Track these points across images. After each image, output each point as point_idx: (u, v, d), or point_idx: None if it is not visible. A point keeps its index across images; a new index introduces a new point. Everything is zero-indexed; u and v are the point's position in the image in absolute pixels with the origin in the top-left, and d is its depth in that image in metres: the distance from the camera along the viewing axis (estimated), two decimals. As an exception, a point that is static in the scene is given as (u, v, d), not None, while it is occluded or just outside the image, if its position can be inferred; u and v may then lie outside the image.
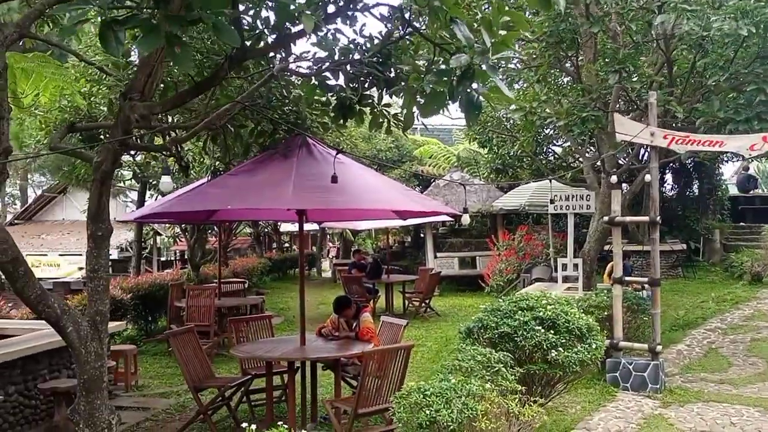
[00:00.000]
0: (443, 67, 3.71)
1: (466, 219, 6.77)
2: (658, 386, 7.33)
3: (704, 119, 8.06)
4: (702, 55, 8.52)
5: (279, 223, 25.18)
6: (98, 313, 4.81)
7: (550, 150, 20.59)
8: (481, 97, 3.68)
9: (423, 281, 15.22)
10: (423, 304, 14.66)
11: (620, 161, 13.40)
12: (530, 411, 3.61)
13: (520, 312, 5.47)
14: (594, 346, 5.42)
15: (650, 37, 8.61)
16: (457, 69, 3.51)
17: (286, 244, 34.11)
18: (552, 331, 5.33)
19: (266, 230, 27.40)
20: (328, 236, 33.64)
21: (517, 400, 3.69)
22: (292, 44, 6.39)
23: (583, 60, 10.10)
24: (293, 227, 25.86)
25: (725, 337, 10.25)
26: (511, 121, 14.57)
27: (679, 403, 6.97)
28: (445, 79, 3.62)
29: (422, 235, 22.18)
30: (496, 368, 4.06)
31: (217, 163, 10.13)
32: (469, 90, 3.61)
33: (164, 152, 6.66)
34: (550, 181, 9.71)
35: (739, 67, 7.98)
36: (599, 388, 7.49)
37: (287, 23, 4.38)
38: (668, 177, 21.14)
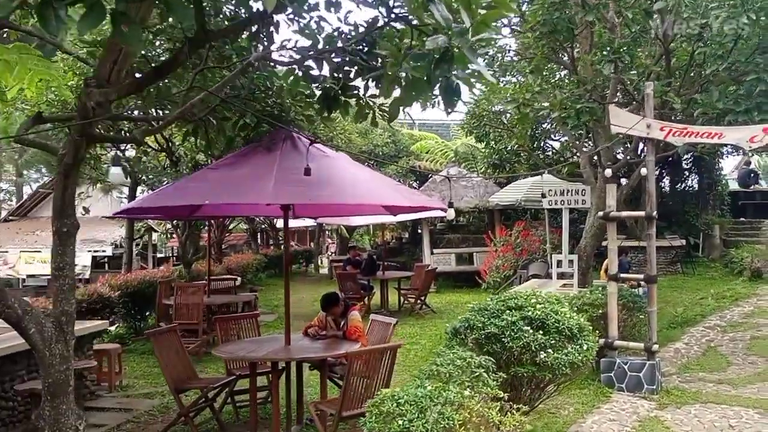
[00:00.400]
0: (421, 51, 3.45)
1: (451, 214, 6.54)
2: (654, 387, 7.09)
3: (702, 110, 7.81)
4: (701, 46, 8.27)
5: (275, 219, 24.95)
6: (64, 314, 4.57)
7: (548, 145, 20.38)
8: (460, 83, 3.44)
9: (419, 278, 15.02)
10: (418, 301, 14.46)
11: (619, 156, 13.17)
12: (512, 420, 3.37)
13: (508, 312, 5.22)
14: (585, 347, 5.17)
15: (648, 27, 8.35)
16: (435, 52, 3.27)
17: (285, 240, 33.88)
18: (541, 332, 5.08)
19: (263, 226, 27.19)
20: (327, 232, 33.39)
21: (498, 407, 3.46)
22: (275, 32, 6.22)
23: (579, 51, 9.85)
24: (292, 223, 25.57)
25: (724, 335, 10.01)
26: (508, 116, 14.32)
27: (675, 404, 6.74)
28: (424, 63, 3.38)
29: (420, 231, 21.96)
30: (477, 373, 3.81)
31: (202, 156, 9.92)
32: (447, 75, 3.37)
33: (137, 144, 6.40)
34: (541, 176, 9.47)
35: (739, 57, 7.73)
36: (593, 388, 7.26)
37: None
38: (667, 171, 20.87)
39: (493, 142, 19.13)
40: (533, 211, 19.87)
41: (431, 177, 21.67)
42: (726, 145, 9.48)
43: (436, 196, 19.85)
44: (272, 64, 6.29)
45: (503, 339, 5.02)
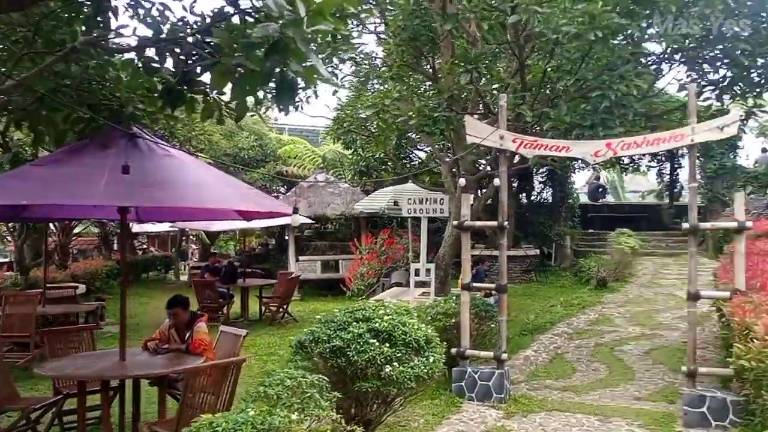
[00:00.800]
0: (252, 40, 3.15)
1: (296, 220, 6.26)
2: (502, 396, 7.15)
3: (552, 124, 8.07)
4: (552, 62, 8.56)
5: (131, 223, 23.53)
6: None
7: (414, 154, 20.70)
8: (297, 78, 3.18)
9: (281, 286, 14.62)
10: (281, 310, 14.05)
11: (480, 167, 13.48)
12: (343, 443, 3.14)
13: (354, 323, 4.99)
14: (432, 360, 5.05)
15: (504, 39, 8.54)
16: (268, 40, 2.99)
17: (144, 245, 32.19)
18: (387, 344, 4.89)
19: (117, 230, 25.57)
20: (191, 237, 32.02)
21: (329, 430, 3.21)
22: (113, 18, 5.68)
23: (441, 62, 9.95)
24: (151, 227, 24.33)
25: (571, 342, 10.39)
26: (374, 123, 14.31)
27: (522, 413, 6.81)
28: (257, 53, 3.09)
29: (287, 238, 21.56)
30: (309, 394, 3.54)
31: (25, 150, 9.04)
32: (282, 67, 3.10)
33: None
34: (376, 185, 9.42)
35: (587, 74, 8.05)
36: (445, 399, 7.21)
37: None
38: (524, 184, 21.79)
39: (360, 150, 19.16)
40: (399, 219, 20.07)
41: (299, 182, 21.37)
42: (574, 158, 9.90)
43: (303, 202, 19.58)
44: (105, 51, 5.72)
45: (348, 352, 4.79)
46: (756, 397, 4.92)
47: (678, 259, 18.62)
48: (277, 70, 3.23)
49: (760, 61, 8.30)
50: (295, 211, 6.18)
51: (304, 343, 5.08)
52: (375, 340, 4.87)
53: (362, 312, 5.18)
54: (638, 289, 15.53)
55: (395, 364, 4.77)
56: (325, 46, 10.31)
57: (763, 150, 22.15)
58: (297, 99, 11.40)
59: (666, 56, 9.20)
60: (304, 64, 3.10)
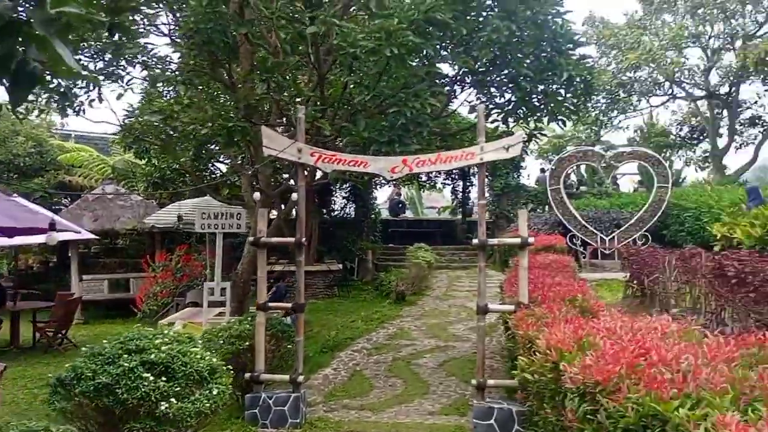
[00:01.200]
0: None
1: (53, 239, 5.49)
2: (298, 420, 6.84)
3: (350, 139, 7.99)
4: (351, 77, 8.50)
5: None
6: None
7: (214, 166, 19.83)
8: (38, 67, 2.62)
9: (60, 308, 13.13)
10: (59, 335, 12.61)
11: (283, 181, 13.13)
12: None
13: (126, 356, 4.39)
14: (216, 392, 4.59)
15: (306, 50, 8.33)
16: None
17: None
18: (164, 378, 4.36)
19: None
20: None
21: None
22: None
23: (241, 70, 9.50)
24: None
25: (370, 357, 10.36)
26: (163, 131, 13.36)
27: (318, 437, 6.57)
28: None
29: (70, 255, 19.55)
30: (51, 451, 2.97)
31: None
32: (21, 55, 2.54)
33: None
34: (173, 198, 8.81)
35: (385, 90, 8.08)
36: (236, 428, 6.71)
37: None
38: (328, 199, 21.82)
39: (154, 160, 17.93)
40: (198, 235, 19.08)
41: (84, 194, 19.56)
42: (372, 174, 9.91)
43: (89, 215, 17.95)
44: None
45: (117, 390, 4.18)
46: (539, 408, 5.07)
47: (470, 272, 19.62)
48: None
49: (540, 87, 8.90)
50: (52, 227, 5.33)
51: (65, 380, 4.37)
52: (149, 374, 4.31)
53: (135, 342, 4.58)
54: (434, 301, 16.06)
55: (173, 400, 4.26)
56: (110, 46, 9.44)
57: (542, 170, 24.45)
58: (77, 102, 10.29)
59: (458, 78, 9.56)
60: (49, 53, 2.56)
